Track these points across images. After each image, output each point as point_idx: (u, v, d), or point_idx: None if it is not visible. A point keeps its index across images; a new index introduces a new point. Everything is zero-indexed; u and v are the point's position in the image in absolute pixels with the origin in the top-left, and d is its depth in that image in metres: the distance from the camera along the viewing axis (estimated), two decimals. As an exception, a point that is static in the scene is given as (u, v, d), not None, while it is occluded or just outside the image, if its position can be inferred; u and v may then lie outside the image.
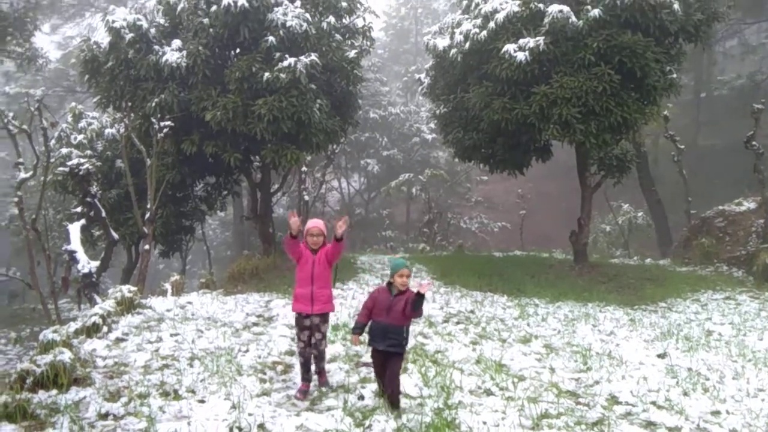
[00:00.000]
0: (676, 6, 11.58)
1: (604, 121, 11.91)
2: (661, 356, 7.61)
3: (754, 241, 15.37)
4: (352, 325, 8.28)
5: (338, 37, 13.69)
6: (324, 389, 5.77)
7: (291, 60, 12.01)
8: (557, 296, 11.53)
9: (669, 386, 6.38)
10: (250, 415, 5.07)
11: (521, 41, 11.87)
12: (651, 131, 21.36)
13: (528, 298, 11.36)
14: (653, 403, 5.90)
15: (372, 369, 5.60)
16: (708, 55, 28.72)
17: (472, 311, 9.80)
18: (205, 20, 12.66)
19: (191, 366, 6.33)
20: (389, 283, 5.24)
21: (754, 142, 15.63)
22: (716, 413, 5.71)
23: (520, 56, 11.68)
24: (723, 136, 27.29)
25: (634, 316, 10.26)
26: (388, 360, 5.17)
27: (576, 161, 14.85)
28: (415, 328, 8.45)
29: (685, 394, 6.20)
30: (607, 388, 6.24)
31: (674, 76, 12.64)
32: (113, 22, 13.05)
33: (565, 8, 11.62)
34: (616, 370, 6.89)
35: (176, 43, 13.01)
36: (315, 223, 5.69)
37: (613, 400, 5.97)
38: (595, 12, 11.54)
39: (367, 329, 5.34)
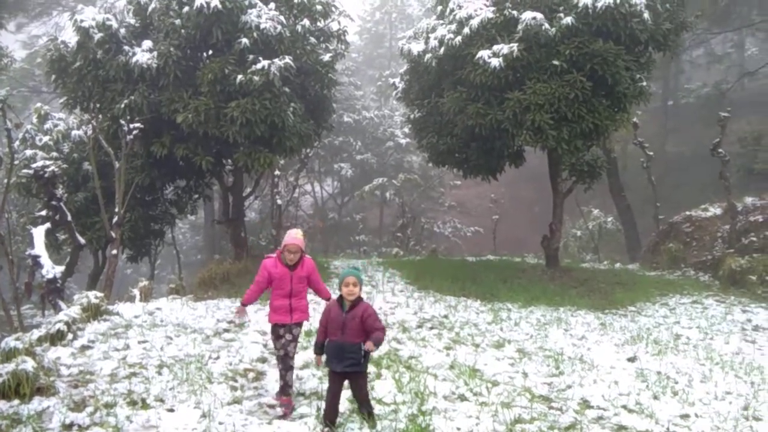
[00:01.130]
0: (646, 15, 11.82)
1: (576, 128, 12.08)
2: (632, 360, 7.71)
3: (720, 246, 15.75)
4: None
5: (313, 40, 13.62)
6: (281, 410, 5.38)
7: (265, 62, 11.89)
8: (530, 301, 11.61)
9: (639, 390, 6.46)
10: (220, 423, 4.98)
11: (495, 47, 11.97)
12: (621, 138, 21.77)
13: (501, 302, 11.41)
14: (624, 407, 5.97)
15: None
16: (675, 64, 29.47)
17: (445, 316, 9.80)
18: (177, 21, 12.46)
19: (160, 374, 6.20)
20: (340, 297, 4.89)
21: (720, 150, 16.03)
22: (685, 416, 5.80)
23: (494, 62, 11.78)
24: (690, 143, 28.00)
25: (605, 320, 10.39)
26: (351, 382, 4.91)
27: (548, 167, 15.02)
28: (389, 333, 8.41)
29: (655, 397, 6.28)
30: (579, 393, 6.29)
31: (644, 83, 12.88)
32: (82, 21, 12.76)
33: (539, 15, 11.75)
34: (588, 375, 6.96)
35: (147, 43, 12.77)
36: (293, 240, 5.41)
37: (585, 404, 6.02)
38: (568, 20, 11.70)
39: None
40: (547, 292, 12.73)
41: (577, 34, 11.79)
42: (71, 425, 4.80)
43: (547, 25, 11.78)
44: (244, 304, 5.62)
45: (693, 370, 7.33)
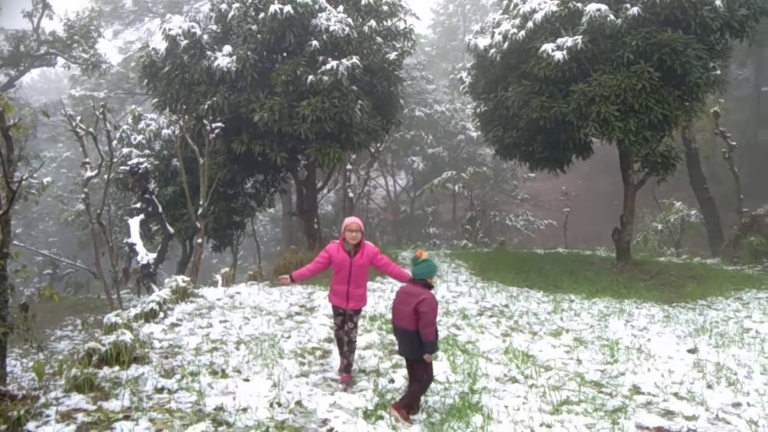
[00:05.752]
0: (718, 2, 11.46)
1: (644, 119, 11.90)
2: (692, 351, 7.67)
3: (806, 240, 14.96)
4: (388, 316, 8.72)
5: (379, 39, 14.09)
6: (342, 386, 5.87)
7: (333, 63, 12.50)
8: (594, 293, 11.58)
9: (694, 379, 6.47)
10: (288, 393, 5.55)
11: (559, 40, 11.99)
12: (702, 127, 20.84)
13: (564, 293, 11.45)
14: (675, 394, 6.03)
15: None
16: None
17: (506, 305, 10.02)
18: (254, 26, 13.30)
19: (238, 349, 6.90)
20: (410, 279, 5.39)
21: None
22: (737, 405, 5.81)
23: (558, 55, 11.81)
24: (784, 131, 26.31)
25: (671, 312, 10.24)
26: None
27: (619, 158, 14.80)
28: (449, 320, 8.80)
29: (709, 386, 6.29)
30: (631, 380, 6.38)
31: (718, 72, 12.46)
32: (170, 29, 13.87)
33: (603, 7, 11.66)
34: (643, 363, 7.01)
35: (227, 48, 13.71)
36: (353, 219, 5.96)
37: (636, 390, 6.13)
38: (635, 10, 11.55)
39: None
40: (614, 284, 12.62)
41: (644, 24, 11.61)
42: (162, 389, 5.52)
43: (612, 17, 11.67)
44: (293, 278, 6.00)
45: (755, 363, 7.23)
